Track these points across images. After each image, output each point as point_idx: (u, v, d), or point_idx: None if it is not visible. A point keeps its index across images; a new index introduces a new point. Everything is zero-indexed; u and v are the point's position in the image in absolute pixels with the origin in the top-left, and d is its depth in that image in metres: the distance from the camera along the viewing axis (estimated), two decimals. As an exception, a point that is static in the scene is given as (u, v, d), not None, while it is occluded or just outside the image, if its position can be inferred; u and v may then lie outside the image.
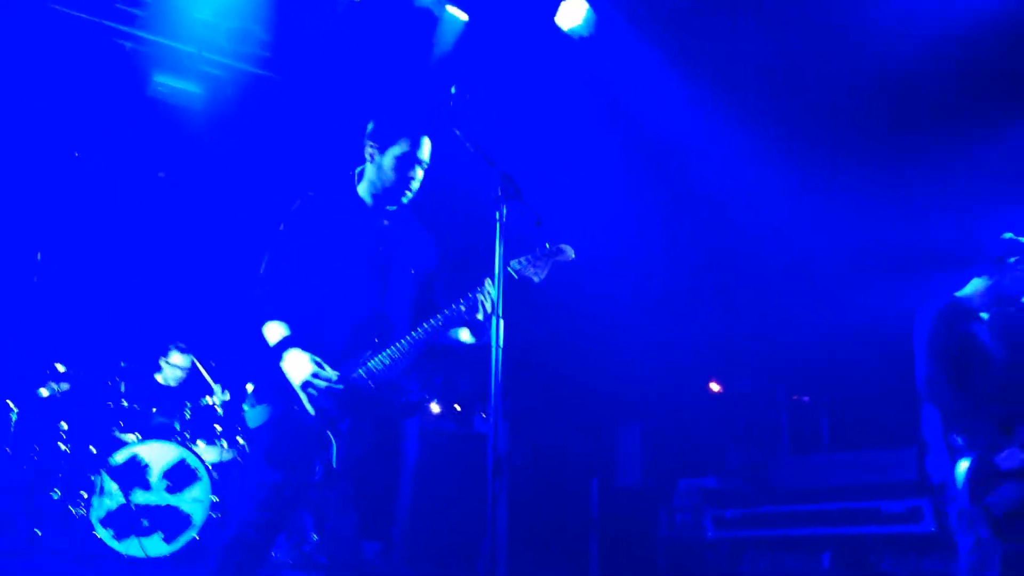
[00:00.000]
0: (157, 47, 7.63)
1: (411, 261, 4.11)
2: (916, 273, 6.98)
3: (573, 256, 4.04)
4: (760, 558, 8.38)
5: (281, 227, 4.04)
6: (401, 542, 3.98)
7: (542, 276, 3.99)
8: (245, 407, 3.93)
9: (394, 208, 4.11)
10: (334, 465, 3.75)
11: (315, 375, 3.73)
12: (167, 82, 7.78)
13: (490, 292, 3.85)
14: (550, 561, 8.70)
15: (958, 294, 5.12)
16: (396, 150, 4.02)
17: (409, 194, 4.08)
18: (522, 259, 3.94)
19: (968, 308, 5.03)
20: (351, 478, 3.85)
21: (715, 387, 10.65)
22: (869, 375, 8.37)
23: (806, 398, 10.00)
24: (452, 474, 7.87)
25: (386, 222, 4.10)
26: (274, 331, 3.85)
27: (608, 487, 9.79)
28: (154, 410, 7.21)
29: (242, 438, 7.29)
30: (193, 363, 7.61)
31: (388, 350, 3.86)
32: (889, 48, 7.19)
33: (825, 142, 8.30)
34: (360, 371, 3.84)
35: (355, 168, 4.17)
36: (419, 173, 4.06)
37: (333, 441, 3.76)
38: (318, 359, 3.77)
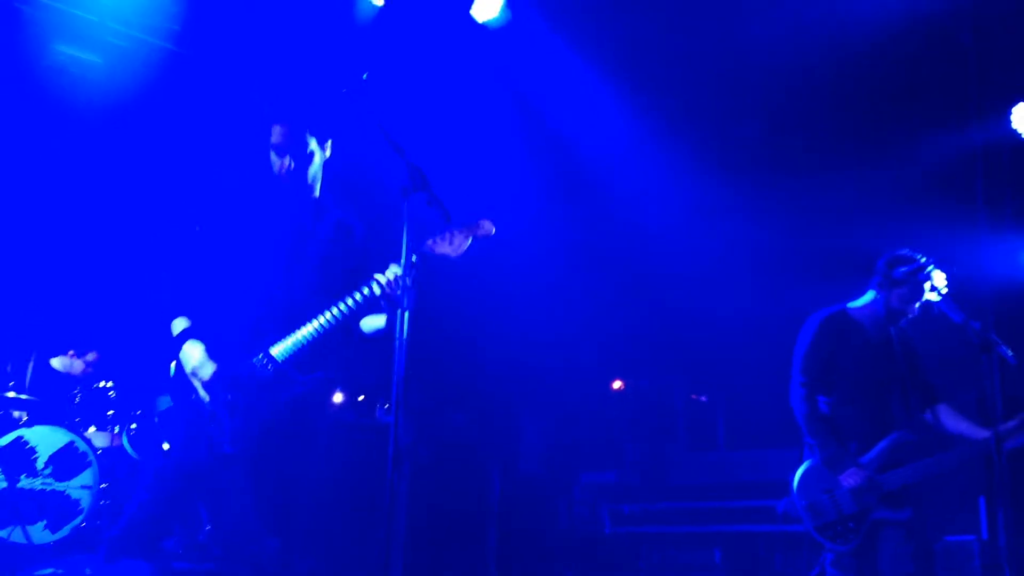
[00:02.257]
0: (58, 13, 7.34)
1: (324, 246, 4.07)
2: (815, 277, 7.15)
3: (493, 231, 4.05)
4: (655, 553, 8.50)
5: (191, 215, 4.01)
6: (300, 533, 3.94)
7: (460, 251, 3.97)
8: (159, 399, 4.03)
9: (312, 193, 4.08)
10: (227, 447, 3.72)
11: (201, 363, 3.80)
12: (67, 51, 7.50)
13: (397, 275, 3.83)
14: (448, 554, 8.69)
15: (849, 305, 5.25)
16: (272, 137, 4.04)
17: (311, 180, 4.03)
18: (435, 238, 3.93)
19: (854, 320, 5.16)
20: (246, 462, 3.81)
21: (617, 384, 10.76)
22: (765, 376, 8.54)
23: (703, 397, 10.18)
24: (353, 465, 7.79)
25: (299, 206, 4.07)
26: (178, 325, 3.91)
27: (509, 480, 9.81)
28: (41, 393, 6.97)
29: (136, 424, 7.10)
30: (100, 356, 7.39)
31: (293, 335, 3.83)
32: (803, 53, 7.33)
33: (729, 144, 8.45)
34: (260, 356, 3.80)
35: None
36: (286, 161, 4.03)
37: (225, 422, 3.73)
38: (203, 347, 3.83)
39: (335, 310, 3.87)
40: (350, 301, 3.87)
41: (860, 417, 5.07)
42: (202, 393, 3.80)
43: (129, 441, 7.08)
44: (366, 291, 3.88)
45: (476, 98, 8.38)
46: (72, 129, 7.80)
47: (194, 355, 3.82)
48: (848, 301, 5.28)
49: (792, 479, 5.12)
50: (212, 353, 3.85)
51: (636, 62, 8.07)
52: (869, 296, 5.23)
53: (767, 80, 7.73)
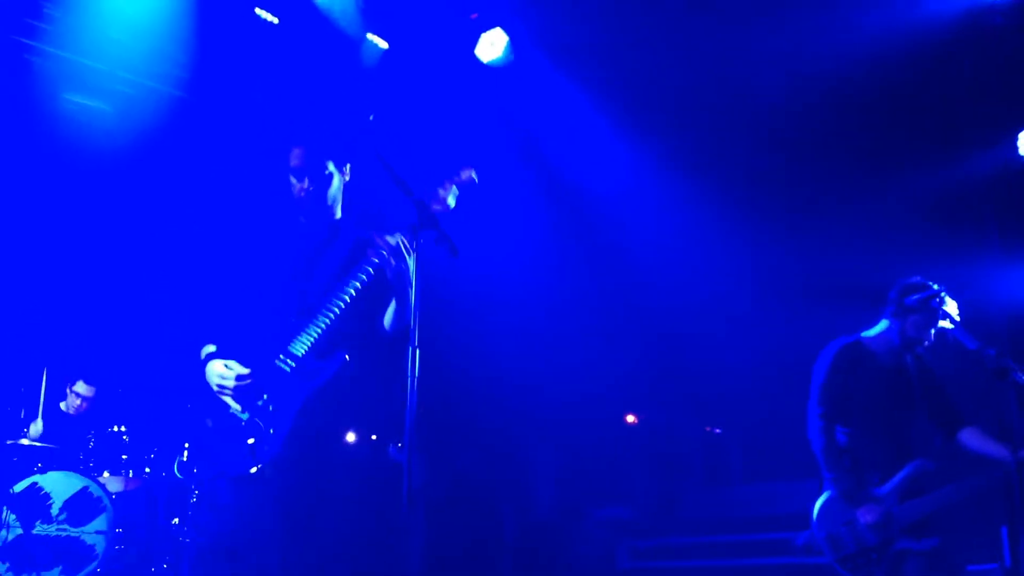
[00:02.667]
0: (67, 63, 7.43)
1: (340, 261, 4.11)
2: (828, 308, 7.12)
3: (476, 178, 4.08)
4: (672, 589, 8.42)
5: (217, 243, 4.07)
6: (321, 552, 3.93)
7: (452, 201, 4.02)
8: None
9: (332, 214, 4.14)
10: (267, 454, 3.72)
11: (223, 376, 3.80)
12: (77, 99, 7.59)
13: (400, 241, 3.84)
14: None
15: (864, 334, 5.22)
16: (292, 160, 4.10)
17: (330, 201, 4.10)
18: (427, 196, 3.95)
19: (868, 350, 5.14)
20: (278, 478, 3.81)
21: (631, 419, 10.71)
22: (779, 408, 8.50)
23: (718, 430, 10.12)
24: (367, 503, 7.77)
25: (317, 226, 4.12)
26: (205, 350, 3.95)
27: (522, 516, 9.76)
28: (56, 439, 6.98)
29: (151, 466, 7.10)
30: (98, 392, 7.44)
31: (307, 330, 3.84)
32: (808, 85, 7.36)
33: (739, 176, 8.46)
34: (280, 356, 3.81)
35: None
36: (305, 183, 4.08)
37: (262, 428, 3.75)
38: (229, 361, 3.84)
39: (344, 293, 3.88)
40: (358, 280, 3.88)
41: (879, 447, 5.03)
42: (234, 406, 3.80)
43: (179, 468, 7.05)
44: (372, 265, 3.88)
45: (482, 137, 8.43)
46: (83, 175, 7.88)
47: (216, 370, 3.83)
48: (862, 331, 5.25)
49: (811, 511, 5.09)
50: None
51: (640, 98, 8.13)
52: (883, 325, 5.20)
53: (773, 111, 7.76)
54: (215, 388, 3.83)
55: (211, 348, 3.94)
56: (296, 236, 4.11)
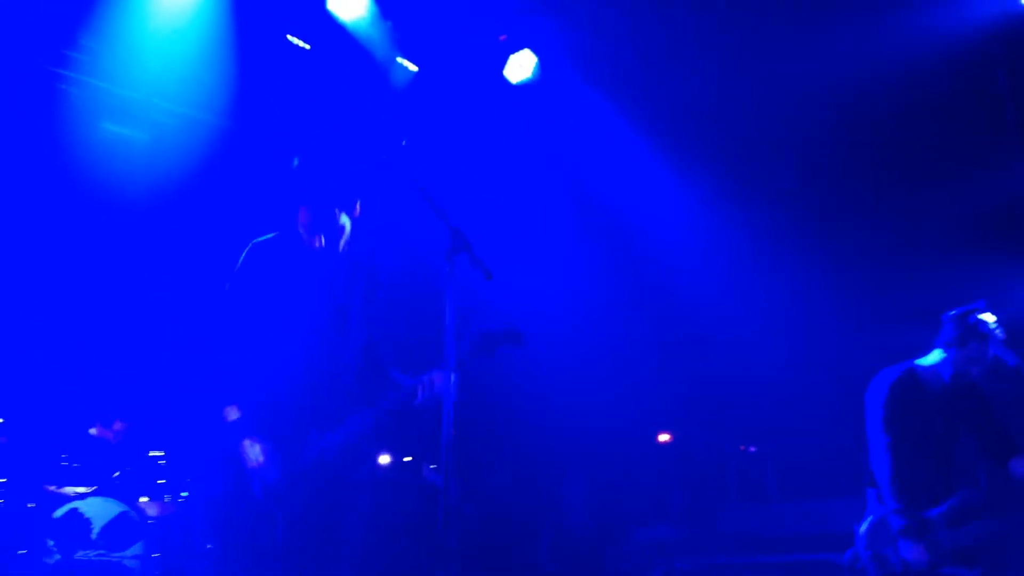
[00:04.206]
0: (103, 93, 7.54)
1: (364, 308, 4.12)
2: (862, 329, 7.08)
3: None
4: (710, 609, 8.36)
5: (228, 286, 4.04)
6: None
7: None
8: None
9: (348, 262, 4.13)
10: (278, 540, 3.76)
11: (265, 465, 3.80)
12: (114, 128, 7.69)
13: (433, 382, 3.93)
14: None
15: (917, 362, 5.20)
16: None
17: (343, 248, 4.12)
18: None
19: (922, 379, 5.13)
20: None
21: (664, 437, 10.66)
22: (813, 426, 8.45)
23: (753, 448, 10.06)
24: (401, 525, 7.78)
25: (336, 280, 4.11)
26: (231, 413, 3.89)
27: (558, 536, 9.72)
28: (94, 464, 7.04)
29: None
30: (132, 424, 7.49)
31: (341, 427, 3.89)
32: (843, 102, 7.34)
33: (771, 196, 8.44)
34: (312, 451, 3.84)
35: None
36: (319, 239, 4.09)
37: (279, 515, 3.78)
38: (267, 448, 3.82)
39: (370, 415, 3.93)
40: (385, 408, 3.95)
41: (931, 474, 5.01)
42: (262, 487, 3.82)
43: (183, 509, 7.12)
44: (409, 395, 3.95)
45: (512, 157, 8.47)
46: (119, 204, 7.96)
47: (252, 452, 3.81)
48: (915, 358, 5.23)
49: (858, 529, 5.06)
50: (269, 442, 3.86)
51: (671, 117, 8.14)
52: (937, 355, 5.18)
53: (808, 131, 7.75)
54: (250, 465, 3.81)
55: (236, 413, 3.88)
56: (318, 292, 4.08)
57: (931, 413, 5.06)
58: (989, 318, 5.02)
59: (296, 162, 4.14)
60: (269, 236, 4.17)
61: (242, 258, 4.08)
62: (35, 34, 7.12)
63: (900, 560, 4.89)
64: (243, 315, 3.97)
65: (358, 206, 4.17)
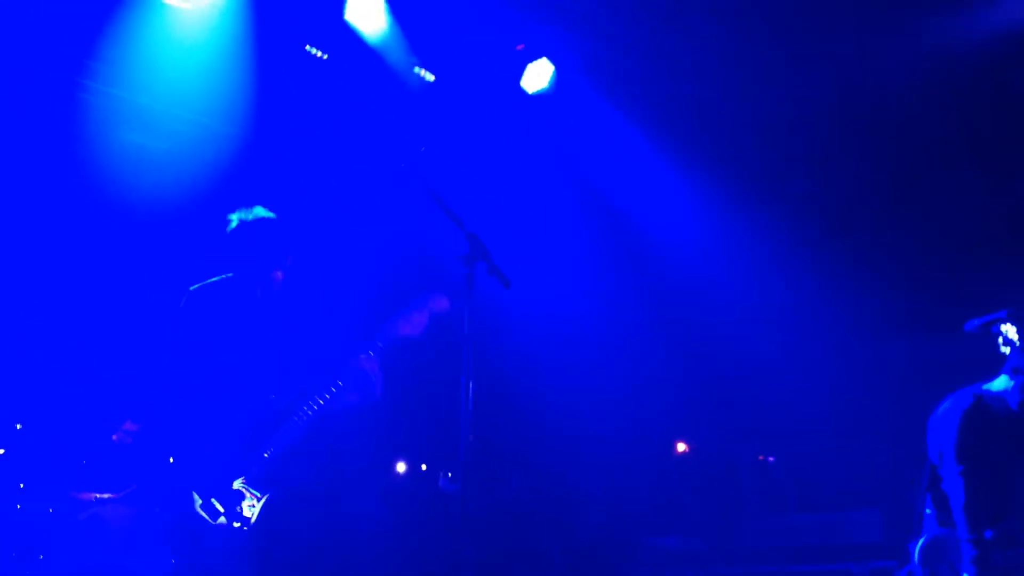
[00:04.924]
0: (121, 102, 7.58)
1: (291, 336, 4.31)
2: (882, 338, 7.04)
3: (447, 306, 4.34)
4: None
5: (171, 329, 4.26)
6: None
7: (419, 330, 4.34)
8: None
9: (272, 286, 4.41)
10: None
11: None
12: (133, 137, 7.72)
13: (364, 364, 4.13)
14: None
15: (985, 387, 5.18)
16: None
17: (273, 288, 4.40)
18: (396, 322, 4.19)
19: (991, 408, 5.11)
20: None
21: (682, 447, 10.62)
22: (832, 436, 8.40)
23: (771, 459, 10.00)
24: (417, 533, 7.77)
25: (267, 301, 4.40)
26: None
27: (573, 546, 9.68)
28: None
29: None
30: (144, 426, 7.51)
31: (277, 436, 4.11)
32: (860, 105, 7.30)
33: (788, 202, 8.41)
34: (246, 479, 4.02)
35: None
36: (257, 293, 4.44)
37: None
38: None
39: (306, 409, 4.13)
40: (317, 402, 4.09)
41: (999, 501, 5.00)
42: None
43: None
44: (334, 388, 4.17)
45: (529, 167, 8.47)
46: (137, 212, 7.99)
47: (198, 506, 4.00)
48: (981, 384, 5.20)
49: (913, 548, 5.06)
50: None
51: (687, 124, 8.13)
52: (1003, 381, 5.16)
53: (824, 137, 7.72)
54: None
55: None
56: (252, 333, 4.36)
57: (1000, 441, 5.06)
58: (1009, 329, 4.97)
59: (235, 223, 4.36)
60: (210, 281, 4.42)
61: (183, 303, 4.25)
62: (56, 43, 7.17)
63: None
64: (185, 357, 4.14)
65: (289, 261, 4.32)
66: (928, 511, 5.12)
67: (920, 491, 5.18)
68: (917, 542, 5.06)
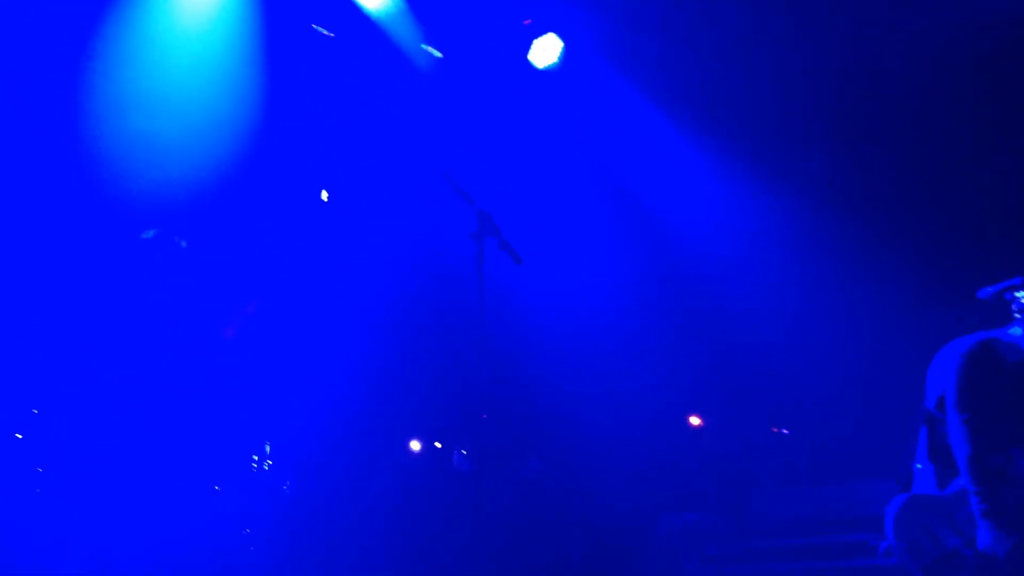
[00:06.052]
0: (130, 86, 7.56)
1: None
2: (894, 310, 6.99)
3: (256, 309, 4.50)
4: (744, 594, 8.32)
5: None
6: None
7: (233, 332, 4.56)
8: None
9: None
10: None
11: None
12: (141, 122, 7.71)
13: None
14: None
15: (994, 333, 4.98)
16: None
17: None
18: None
19: (999, 352, 4.91)
20: None
21: (695, 421, 10.61)
22: (846, 407, 8.37)
23: (785, 431, 9.98)
24: (431, 510, 7.79)
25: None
26: None
27: (589, 522, 9.70)
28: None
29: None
30: None
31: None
32: (880, 85, 7.23)
33: (798, 175, 8.36)
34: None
35: None
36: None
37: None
38: None
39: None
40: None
41: (1008, 451, 4.84)
42: None
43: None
44: None
45: (538, 143, 8.43)
46: (145, 197, 7.97)
47: None
48: (983, 331, 5.07)
49: (885, 518, 4.89)
50: None
51: (700, 100, 8.08)
52: (1017, 331, 5.00)
53: (843, 114, 7.64)
54: None
55: None
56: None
57: (1008, 387, 4.81)
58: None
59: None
60: None
61: None
62: (63, 26, 7.15)
63: (935, 545, 4.71)
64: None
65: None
66: (919, 466, 4.96)
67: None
68: (889, 507, 4.83)
